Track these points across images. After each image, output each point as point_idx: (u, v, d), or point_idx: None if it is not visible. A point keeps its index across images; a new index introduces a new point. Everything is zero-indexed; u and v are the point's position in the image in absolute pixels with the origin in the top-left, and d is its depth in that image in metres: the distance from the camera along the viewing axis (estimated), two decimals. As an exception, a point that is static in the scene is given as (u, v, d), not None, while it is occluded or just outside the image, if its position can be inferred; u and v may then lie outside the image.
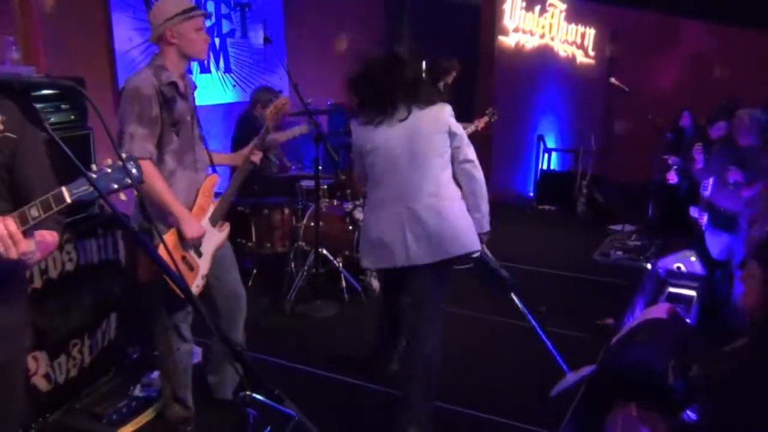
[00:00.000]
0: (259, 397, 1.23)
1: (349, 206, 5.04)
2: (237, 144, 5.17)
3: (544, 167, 8.21)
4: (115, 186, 1.45)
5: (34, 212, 1.49)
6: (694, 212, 4.82)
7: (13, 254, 1.48)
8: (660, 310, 3.39)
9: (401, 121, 2.87)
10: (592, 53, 8.08)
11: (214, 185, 2.99)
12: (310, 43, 6.94)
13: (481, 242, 3.05)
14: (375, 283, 4.89)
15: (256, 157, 3.12)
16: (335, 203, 5.17)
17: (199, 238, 2.81)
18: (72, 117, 3.11)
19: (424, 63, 8.21)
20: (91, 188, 1.43)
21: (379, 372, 3.57)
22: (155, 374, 3.30)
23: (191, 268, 2.84)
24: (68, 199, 1.47)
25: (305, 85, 4.18)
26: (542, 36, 8.34)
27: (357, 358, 3.89)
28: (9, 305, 1.75)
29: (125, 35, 4.81)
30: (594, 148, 7.35)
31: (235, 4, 5.92)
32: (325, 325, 4.43)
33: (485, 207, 3.01)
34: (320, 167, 4.55)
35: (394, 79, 2.89)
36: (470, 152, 2.97)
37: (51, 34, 4.20)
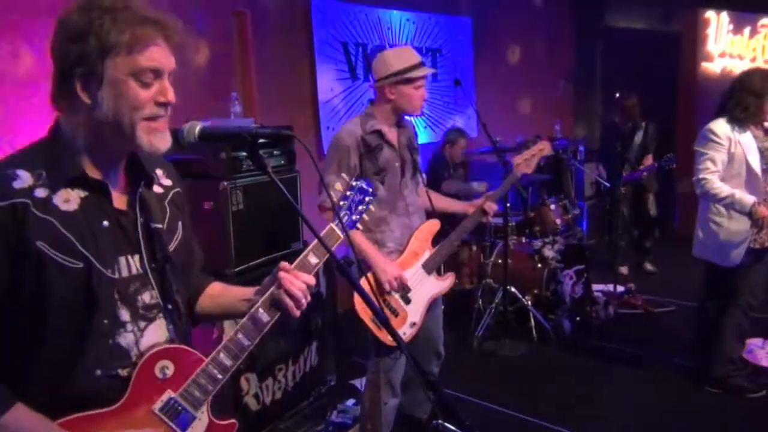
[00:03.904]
0: (451, 427, 1.27)
1: (538, 244, 4.96)
2: (429, 182, 5.37)
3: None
4: (362, 207, 1.59)
5: (313, 259, 1.49)
6: None
7: (305, 305, 1.47)
8: None
9: None
10: (816, 75, 7.23)
11: (433, 231, 2.96)
12: (498, 82, 7.01)
13: None
14: (566, 324, 4.73)
15: (491, 209, 3.04)
16: (524, 241, 5.12)
17: (395, 281, 2.76)
18: (282, 162, 3.43)
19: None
20: (347, 215, 1.57)
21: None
22: (351, 402, 3.47)
23: (395, 313, 2.82)
24: (341, 235, 1.54)
25: (493, 124, 4.23)
26: (753, 60, 7.67)
27: (544, 399, 3.79)
28: None
29: (327, 85, 5.23)
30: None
31: (427, 50, 6.18)
32: (512, 363, 4.37)
33: None
34: (509, 204, 4.55)
35: None
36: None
37: (265, 87, 4.71)
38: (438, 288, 2.98)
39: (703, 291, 3.89)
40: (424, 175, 3.24)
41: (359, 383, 3.90)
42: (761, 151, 3.53)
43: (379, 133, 2.82)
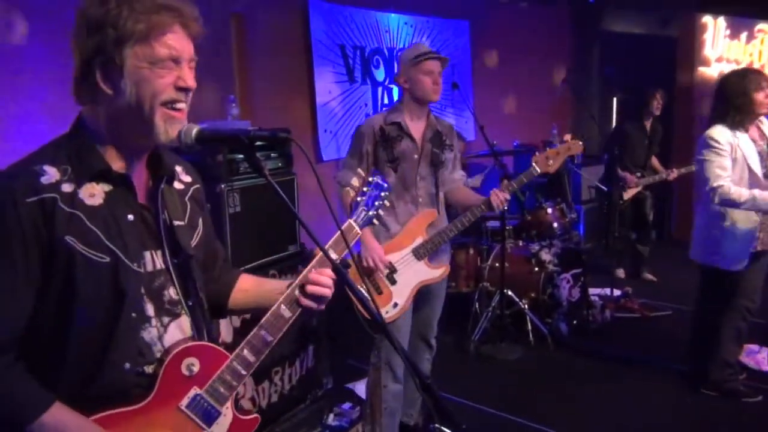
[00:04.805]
0: (447, 430, 1.26)
1: (535, 247, 4.96)
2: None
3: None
4: (378, 203, 1.64)
5: (333, 255, 1.47)
6: None
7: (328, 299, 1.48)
8: None
9: None
10: (811, 80, 7.26)
11: (429, 220, 3.07)
12: (496, 85, 7.02)
13: None
14: (563, 327, 4.74)
15: (499, 199, 3.06)
16: (521, 244, 5.12)
17: (373, 258, 2.90)
18: (280, 164, 3.43)
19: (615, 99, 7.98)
20: (363, 211, 1.60)
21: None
22: (347, 405, 3.46)
23: (379, 290, 2.97)
24: (359, 230, 1.58)
25: (491, 127, 4.23)
26: (750, 64, 7.69)
27: (541, 402, 3.79)
28: None
29: (325, 88, 5.22)
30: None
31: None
32: (509, 367, 4.37)
33: None
34: (506, 207, 4.54)
35: None
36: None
37: (262, 90, 4.71)
38: (429, 275, 3.06)
39: (700, 295, 3.88)
40: (462, 173, 3.33)
41: (356, 386, 3.90)
42: (760, 155, 3.54)
43: (398, 125, 3.00)
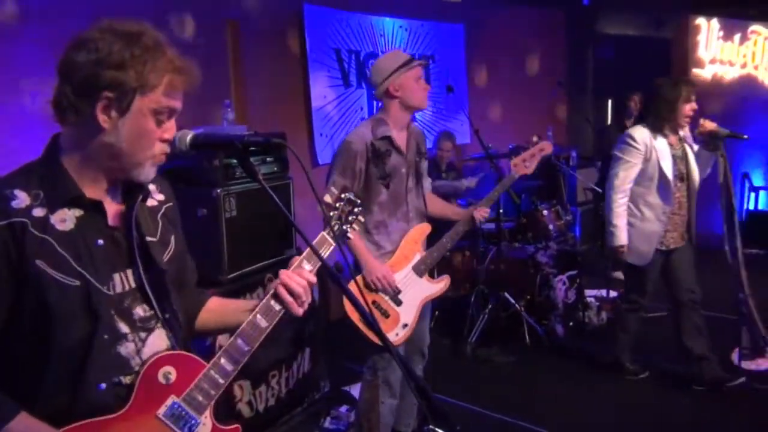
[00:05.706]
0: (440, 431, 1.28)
1: (531, 249, 4.98)
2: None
3: (751, 207, 7.49)
4: (352, 218, 1.62)
5: (307, 266, 1.48)
6: None
7: (307, 305, 1.49)
8: None
9: None
10: (804, 81, 7.31)
11: (423, 234, 3.00)
12: (491, 88, 7.05)
13: None
14: (559, 329, 4.75)
15: (480, 214, 3.08)
16: (517, 246, 5.13)
17: (381, 280, 2.82)
18: (275, 168, 3.44)
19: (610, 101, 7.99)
20: (337, 225, 1.58)
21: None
22: (344, 408, 3.47)
23: (386, 314, 2.86)
24: (332, 242, 1.55)
25: (486, 130, 4.25)
26: (743, 66, 7.74)
27: (537, 403, 3.81)
28: None
29: (320, 92, 5.24)
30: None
31: (420, 57, 6.21)
32: (506, 369, 4.37)
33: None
34: (501, 210, 4.56)
35: None
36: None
37: (258, 95, 4.72)
38: (431, 290, 3.00)
39: (625, 286, 4.15)
40: (429, 180, 3.30)
41: (352, 390, 3.90)
42: (674, 159, 3.69)
43: (389, 140, 2.86)
